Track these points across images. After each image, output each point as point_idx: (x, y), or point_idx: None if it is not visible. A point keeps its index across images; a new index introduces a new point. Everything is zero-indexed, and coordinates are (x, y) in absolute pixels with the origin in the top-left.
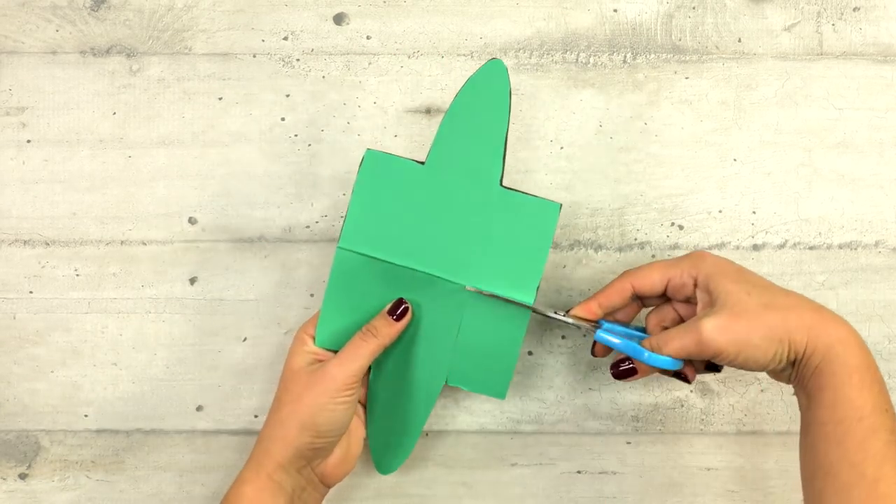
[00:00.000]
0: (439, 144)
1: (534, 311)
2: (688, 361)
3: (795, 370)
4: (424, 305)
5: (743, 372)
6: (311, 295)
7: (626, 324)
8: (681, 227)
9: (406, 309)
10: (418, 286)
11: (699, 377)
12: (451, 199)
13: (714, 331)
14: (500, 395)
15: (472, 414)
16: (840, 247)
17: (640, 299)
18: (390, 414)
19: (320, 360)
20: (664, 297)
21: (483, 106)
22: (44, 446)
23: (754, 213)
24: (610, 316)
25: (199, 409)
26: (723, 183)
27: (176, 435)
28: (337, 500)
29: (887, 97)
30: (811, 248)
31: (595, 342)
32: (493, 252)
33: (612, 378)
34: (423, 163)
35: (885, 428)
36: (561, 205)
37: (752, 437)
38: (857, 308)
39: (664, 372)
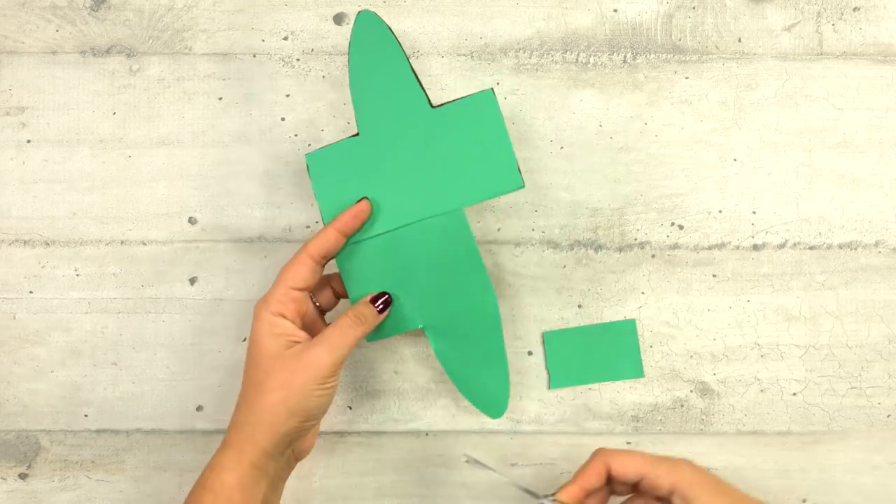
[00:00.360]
0: (359, 110)
1: (525, 491)
2: None
3: None
4: (437, 248)
5: (742, 372)
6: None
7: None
8: (681, 227)
9: (388, 302)
10: (419, 238)
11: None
12: (398, 147)
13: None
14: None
15: (472, 414)
16: (840, 247)
17: (609, 483)
18: (472, 363)
19: (295, 341)
20: (635, 488)
21: (375, 55)
22: (44, 446)
23: (754, 212)
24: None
25: (198, 409)
26: (723, 183)
27: (176, 435)
28: (337, 500)
29: (887, 97)
30: (811, 248)
31: None
32: (462, 167)
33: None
34: (357, 135)
35: None
36: (493, 89)
37: (752, 437)
38: (857, 308)
39: None
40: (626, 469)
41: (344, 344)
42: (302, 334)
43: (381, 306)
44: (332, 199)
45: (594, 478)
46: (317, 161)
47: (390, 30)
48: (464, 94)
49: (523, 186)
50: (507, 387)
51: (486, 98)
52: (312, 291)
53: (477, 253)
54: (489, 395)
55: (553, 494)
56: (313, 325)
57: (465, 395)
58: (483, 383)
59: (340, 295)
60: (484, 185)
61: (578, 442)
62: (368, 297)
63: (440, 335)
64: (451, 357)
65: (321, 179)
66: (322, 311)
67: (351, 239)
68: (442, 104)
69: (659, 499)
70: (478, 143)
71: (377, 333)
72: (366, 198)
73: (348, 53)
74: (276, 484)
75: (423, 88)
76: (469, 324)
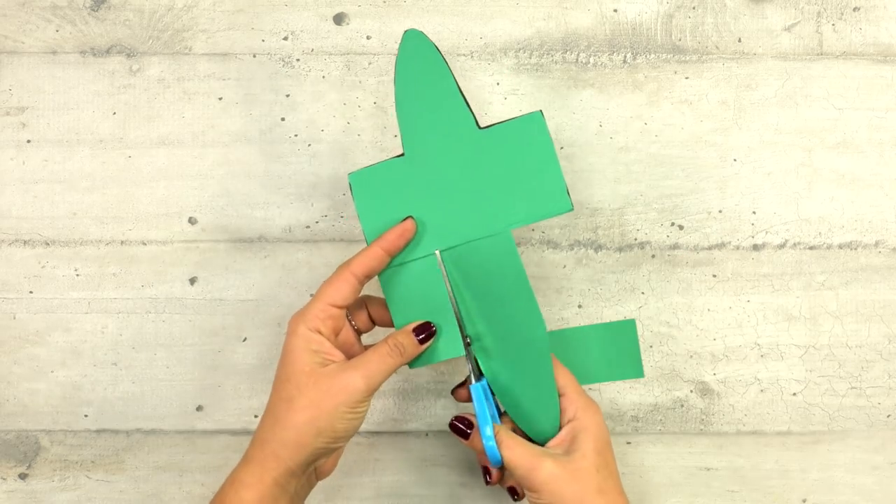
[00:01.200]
0: (405, 130)
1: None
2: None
3: None
4: (484, 271)
5: (742, 372)
6: (311, 295)
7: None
8: (681, 227)
9: (431, 333)
10: (465, 260)
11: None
12: (444, 168)
13: (550, 474)
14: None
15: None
16: (840, 247)
17: None
18: (522, 390)
19: (331, 360)
20: None
21: (422, 74)
22: (44, 446)
23: (754, 213)
24: None
25: (199, 409)
26: (723, 183)
27: (176, 435)
28: (338, 501)
29: (887, 97)
30: (811, 248)
31: (461, 385)
32: (509, 188)
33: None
34: (402, 155)
35: None
36: (541, 111)
37: (752, 437)
38: (857, 308)
39: (482, 459)
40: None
41: (380, 371)
42: (338, 354)
43: (423, 337)
44: (376, 218)
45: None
46: (360, 180)
47: (437, 49)
48: (511, 116)
49: (572, 209)
50: (556, 414)
51: (535, 120)
52: (349, 311)
53: (524, 277)
54: (538, 424)
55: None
56: (348, 345)
57: (515, 419)
58: (532, 410)
59: (375, 319)
60: (532, 207)
61: None
62: (411, 327)
63: (488, 357)
64: (501, 380)
65: (364, 199)
66: (358, 333)
67: (395, 260)
68: (490, 125)
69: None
70: (526, 164)
71: (419, 360)
72: (411, 217)
73: (395, 72)
74: (295, 501)
75: (470, 109)
76: (517, 350)
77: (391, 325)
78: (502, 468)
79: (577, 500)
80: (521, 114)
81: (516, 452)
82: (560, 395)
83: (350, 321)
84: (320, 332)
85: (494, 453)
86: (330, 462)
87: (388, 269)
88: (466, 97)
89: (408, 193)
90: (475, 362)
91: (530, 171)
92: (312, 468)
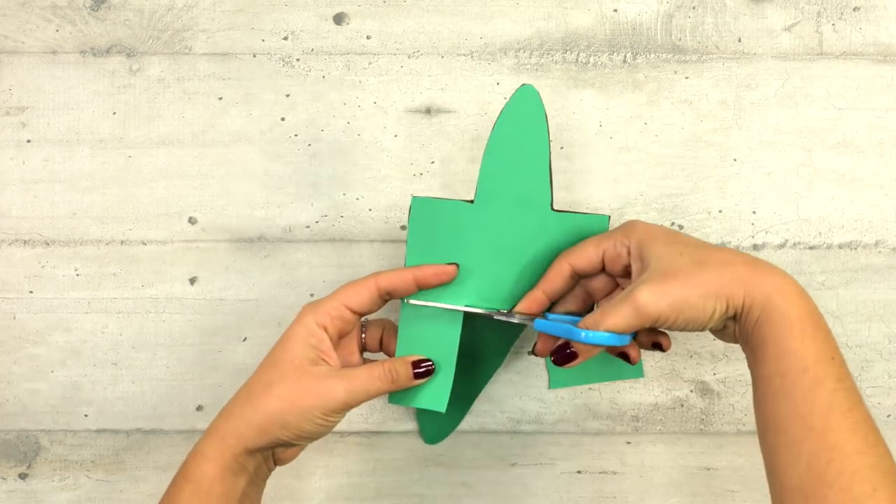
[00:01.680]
0: (483, 179)
1: (476, 314)
2: (632, 337)
3: (737, 326)
4: (494, 336)
5: (742, 372)
6: (311, 295)
7: (577, 313)
8: (681, 227)
9: (429, 371)
10: (489, 328)
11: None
12: (505, 232)
13: (649, 296)
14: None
15: (472, 414)
16: (840, 247)
17: (581, 280)
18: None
19: (324, 361)
20: (605, 274)
21: (521, 133)
22: (44, 446)
23: (754, 212)
24: (562, 307)
25: (199, 408)
26: (723, 183)
27: (176, 435)
28: (338, 501)
29: (887, 97)
30: (811, 247)
31: (537, 340)
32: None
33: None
34: (471, 201)
35: (831, 376)
36: (609, 216)
37: (752, 436)
38: (857, 308)
39: (610, 351)
40: (586, 256)
41: (366, 390)
42: (334, 357)
43: (419, 371)
44: (423, 247)
45: (556, 279)
46: (421, 206)
47: (545, 115)
48: (586, 212)
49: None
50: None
51: (601, 221)
52: (364, 324)
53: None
54: (439, 424)
55: (513, 308)
56: (348, 353)
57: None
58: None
59: (385, 346)
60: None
61: (578, 442)
62: (412, 358)
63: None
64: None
65: (419, 224)
66: (363, 349)
67: (424, 296)
68: (562, 210)
69: (625, 273)
70: None
71: (401, 397)
72: (456, 264)
73: (498, 120)
74: (255, 481)
75: (551, 186)
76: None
77: (393, 355)
78: (636, 336)
79: (688, 290)
80: (591, 213)
81: (614, 317)
82: (605, 260)
83: (362, 332)
84: (326, 329)
85: (608, 339)
86: (289, 453)
87: (411, 303)
88: (552, 173)
89: (462, 239)
90: (524, 317)
91: None
92: (270, 453)
